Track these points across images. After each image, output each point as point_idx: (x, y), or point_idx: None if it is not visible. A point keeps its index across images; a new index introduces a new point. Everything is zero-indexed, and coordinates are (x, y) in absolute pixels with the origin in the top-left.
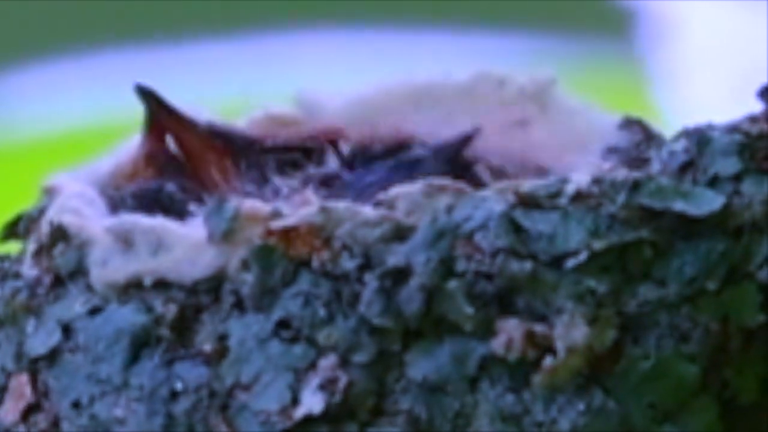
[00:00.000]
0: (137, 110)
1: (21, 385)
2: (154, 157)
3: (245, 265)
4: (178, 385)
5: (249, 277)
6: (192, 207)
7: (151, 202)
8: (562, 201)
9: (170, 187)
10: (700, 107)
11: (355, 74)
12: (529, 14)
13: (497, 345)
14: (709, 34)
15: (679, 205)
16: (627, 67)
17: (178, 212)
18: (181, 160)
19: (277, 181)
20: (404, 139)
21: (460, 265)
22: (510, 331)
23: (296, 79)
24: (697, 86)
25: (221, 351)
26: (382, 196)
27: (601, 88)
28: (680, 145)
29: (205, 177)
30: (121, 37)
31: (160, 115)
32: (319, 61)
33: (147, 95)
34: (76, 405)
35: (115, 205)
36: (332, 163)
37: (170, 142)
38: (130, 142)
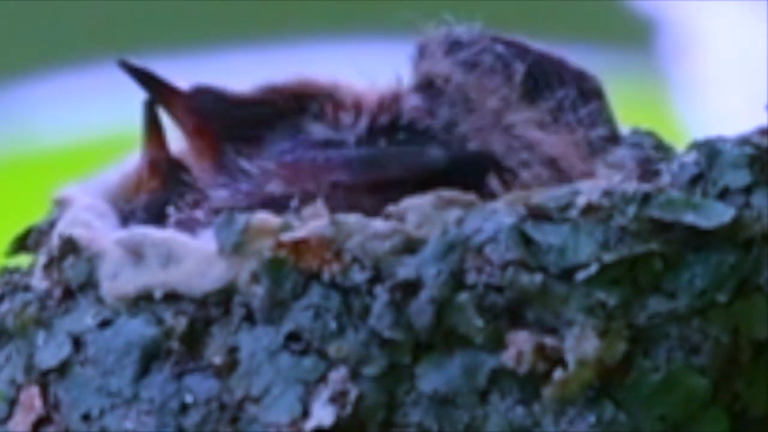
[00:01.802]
0: None
1: (31, 398)
2: (157, 165)
3: (255, 278)
4: (189, 398)
5: (259, 290)
6: (198, 214)
7: (160, 215)
8: (573, 213)
9: (175, 199)
10: (722, 119)
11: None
12: (549, 25)
13: (507, 358)
14: (730, 45)
15: (689, 218)
16: (648, 79)
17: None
18: (183, 164)
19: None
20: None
21: (471, 278)
22: (520, 343)
23: None
24: (718, 97)
25: (231, 363)
26: (392, 208)
27: (621, 99)
28: (690, 158)
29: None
30: (133, 47)
31: (149, 85)
32: (329, 71)
33: (133, 70)
34: (86, 417)
35: (125, 218)
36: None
37: (171, 148)
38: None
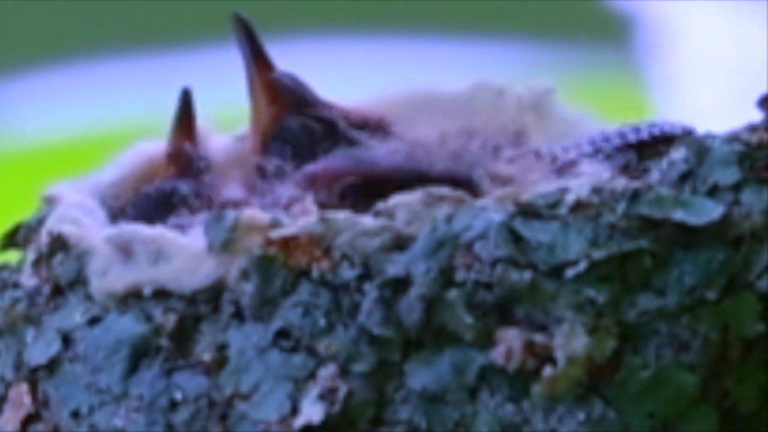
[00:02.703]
0: (138, 119)
1: (20, 395)
2: (178, 154)
3: (245, 275)
4: (178, 395)
5: (248, 287)
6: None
7: (163, 203)
8: (562, 211)
9: (184, 188)
10: (700, 115)
11: (353, 82)
12: (527, 22)
13: (497, 355)
14: (708, 41)
15: (678, 215)
16: (626, 75)
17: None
18: (205, 162)
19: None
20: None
21: (460, 275)
22: (510, 340)
23: None
24: (696, 94)
25: (221, 361)
26: (381, 205)
27: (599, 96)
28: (679, 155)
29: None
30: (122, 44)
31: (248, 46)
32: (320, 69)
33: (244, 26)
34: (75, 415)
35: (115, 215)
36: None
37: (196, 143)
38: (131, 151)
